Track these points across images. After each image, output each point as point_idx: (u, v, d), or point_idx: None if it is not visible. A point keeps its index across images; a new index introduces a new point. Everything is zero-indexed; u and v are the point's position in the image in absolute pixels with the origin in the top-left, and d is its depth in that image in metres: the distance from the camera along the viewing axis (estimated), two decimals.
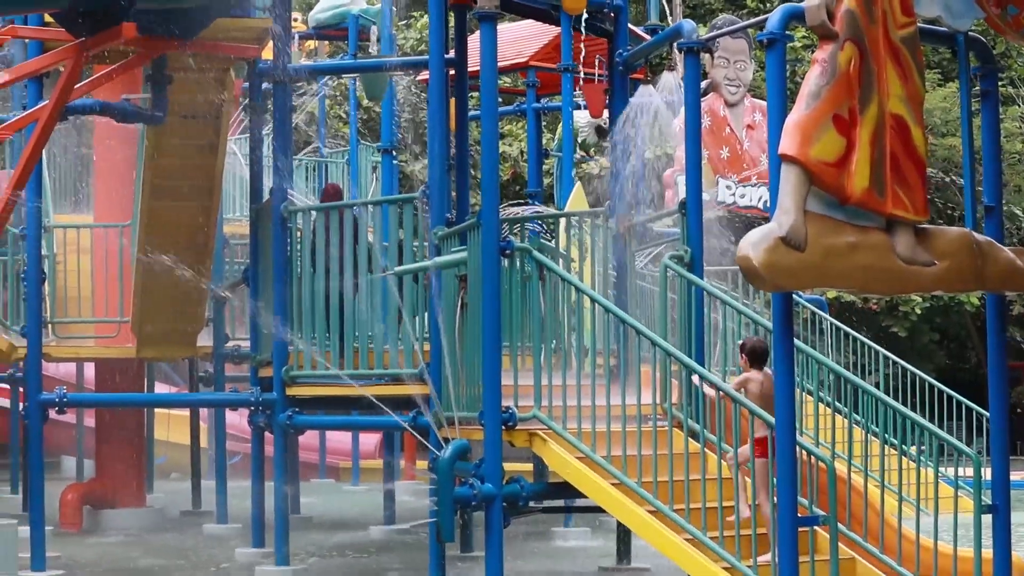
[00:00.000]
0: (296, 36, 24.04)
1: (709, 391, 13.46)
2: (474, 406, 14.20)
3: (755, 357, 13.74)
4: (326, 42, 29.22)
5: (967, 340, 41.12)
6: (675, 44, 16.08)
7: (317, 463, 30.61)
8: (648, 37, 20.44)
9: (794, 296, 13.26)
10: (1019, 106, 41.80)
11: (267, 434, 18.00)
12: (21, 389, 23.09)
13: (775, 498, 12.40)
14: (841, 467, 14.09)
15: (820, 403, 15.50)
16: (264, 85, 18.85)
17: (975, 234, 12.89)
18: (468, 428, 14.30)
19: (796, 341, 13.85)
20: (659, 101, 19.91)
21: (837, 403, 15.35)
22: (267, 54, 18.58)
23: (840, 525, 12.96)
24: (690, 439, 13.80)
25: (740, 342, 14.32)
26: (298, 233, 17.21)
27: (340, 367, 16.33)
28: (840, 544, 12.83)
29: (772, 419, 12.05)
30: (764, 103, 15.64)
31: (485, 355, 13.91)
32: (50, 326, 21.15)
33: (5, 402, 26.20)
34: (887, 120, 12.24)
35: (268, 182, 18.10)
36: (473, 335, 14.32)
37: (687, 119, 15.66)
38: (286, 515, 17.22)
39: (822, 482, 12.82)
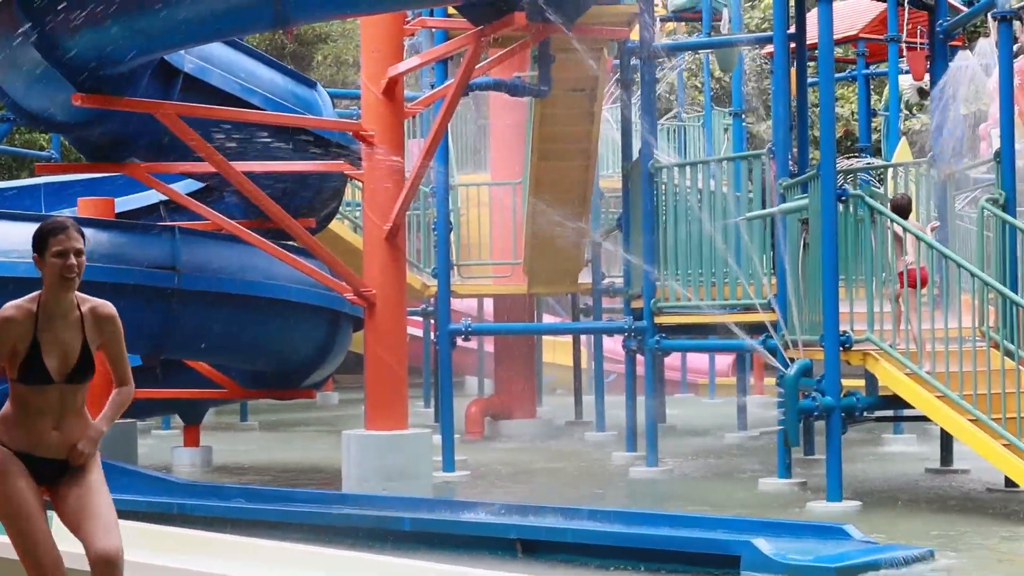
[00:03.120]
0: (658, 19, 24.04)
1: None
2: (815, 330, 14.12)
3: (899, 210, 14.42)
4: (683, 23, 29.12)
5: None
6: (990, 13, 15.65)
7: (680, 380, 30.73)
8: (965, 9, 19.84)
9: None
10: None
11: (638, 356, 18.11)
12: (432, 321, 23.70)
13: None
14: None
15: None
16: (632, 61, 18.90)
17: None
18: (810, 349, 14.23)
19: None
20: (975, 64, 19.38)
21: None
22: (634, 35, 18.63)
23: None
24: (1006, 357, 13.55)
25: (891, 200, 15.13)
26: (662, 187, 17.25)
27: (700, 298, 16.38)
28: None
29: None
30: None
31: (824, 287, 13.82)
32: (455, 268, 21.63)
33: (418, 331, 26.85)
34: None
35: (637, 144, 18.16)
36: (814, 270, 14.21)
37: (1000, 79, 15.22)
38: (655, 424, 17.34)
39: None
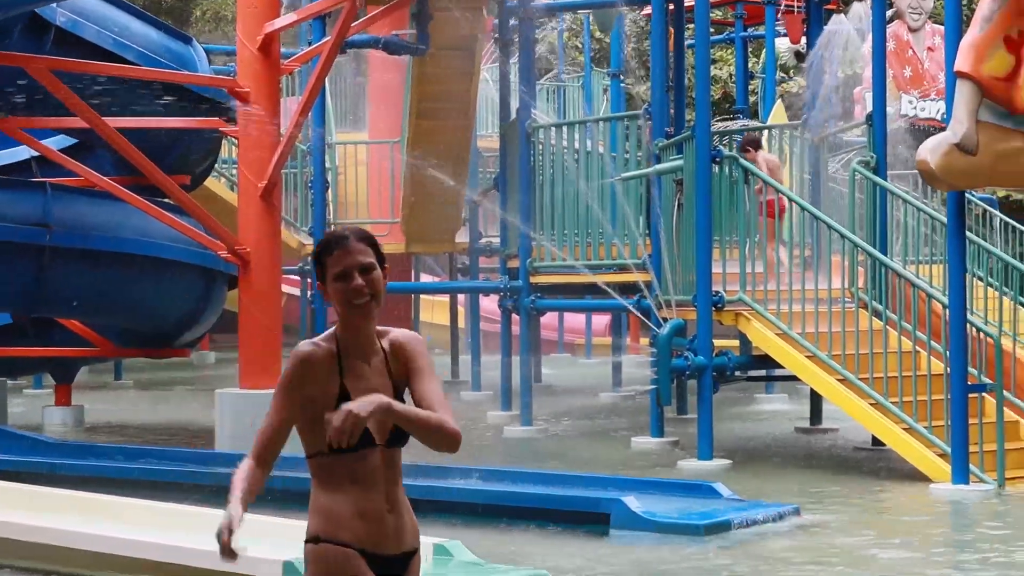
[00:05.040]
0: None
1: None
2: (688, 290, 14.26)
3: (754, 144, 15.64)
4: None
5: None
6: None
7: (556, 340, 30.83)
8: None
9: (967, 195, 13.10)
10: None
11: (513, 315, 18.18)
12: (309, 280, 23.59)
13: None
14: (1007, 342, 13.92)
15: (989, 287, 15.30)
16: (511, 21, 18.91)
17: None
18: (683, 309, 14.38)
19: (969, 234, 13.70)
20: (850, 28, 19.62)
21: (1005, 287, 15.09)
22: None
23: (1005, 392, 12.81)
24: (874, 318, 13.78)
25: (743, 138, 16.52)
26: (540, 146, 17.30)
27: (576, 258, 16.46)
28: (1005, 408, 12.70)
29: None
30: (943, 28, 15.36)
31: (698, 247, 13.96)
32: (333, 226, 21.55)
33: (295, 290, 26.73)
34: None
35: (515, 104, 18.20)
36: (688, 230, 14.35)
37: (873, 43, 15.44)
38: (530, 384, 17.44)
39: (990, 355, 12.69)
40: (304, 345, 4.52)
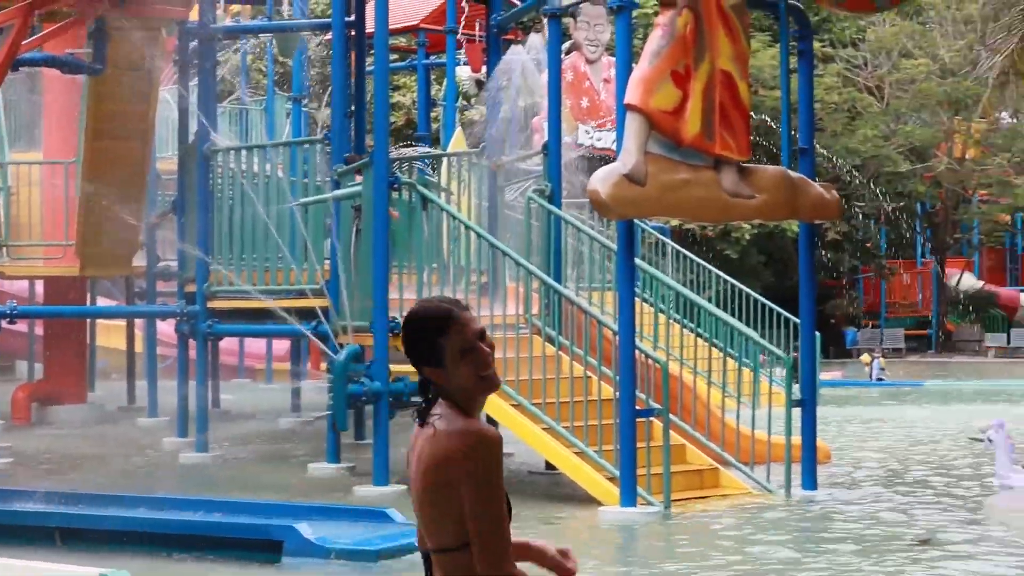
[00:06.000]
0: (222, 0, 23.82)
1: None
2: (366, 317, 14.28)
3: None
4: (248, 5, 28.93)
5: (789, 261, 41.42)
6: (541, 10, 16.13)
7: (237, 365, 30.51)
8: (519, 3, 20.39)
9: (641, 223, 13.43)
10: (837, 64, 42.48)
11: (191, 340, 17.94)
12: None
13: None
14: (676, 367, 14.32)
15: (660, 314, 15.70)
16: (192, 42, 18.70)
17: (790, 172, 13.13)
18: (360, 335, 14.38)
19: (641, 262, 14.05)
20: (527, 59, 19.97)
21: (675, 314, 15.53)
22: (195, 15, 18.44)
23: (673, 416, 13.16)
24: (547, 344, 14.01)
25: None
26: (219, 170, 17.13)
27: (254, 283, 16.32)
28: (672, 432, 13.04)
29: None
30: None
31: (375, 273, 13.99)
32: (4, 248, 20.95)
33: None
34: (717, 75, 12.45)
35: (194, 126, 17.99)
36: (366, 256, 14.36)
37: (550, 74, 15.72)
38: (206, 409, 17.24)
39: (658, 380, 13.01)
40: (485, 427, 3.98)
